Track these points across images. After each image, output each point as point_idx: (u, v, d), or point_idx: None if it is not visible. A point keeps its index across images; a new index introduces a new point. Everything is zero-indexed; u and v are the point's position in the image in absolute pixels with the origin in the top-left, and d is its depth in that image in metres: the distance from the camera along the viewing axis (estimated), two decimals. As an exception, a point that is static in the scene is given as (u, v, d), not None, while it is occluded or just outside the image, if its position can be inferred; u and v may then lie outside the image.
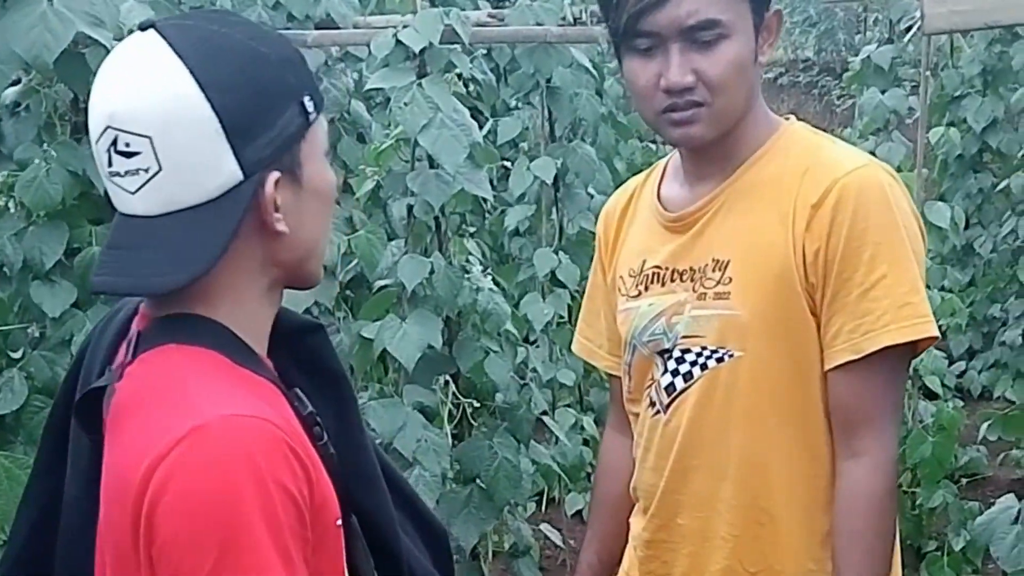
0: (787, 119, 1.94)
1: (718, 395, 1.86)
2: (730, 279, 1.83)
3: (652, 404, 1.94)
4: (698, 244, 1.88)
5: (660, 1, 1.75)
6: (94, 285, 1.30)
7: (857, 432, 1.80)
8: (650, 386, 1.94)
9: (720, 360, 1.84)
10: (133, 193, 1.26)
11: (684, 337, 1.87)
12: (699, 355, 1.86)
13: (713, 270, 1.85)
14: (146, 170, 1.25)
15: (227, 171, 1.25)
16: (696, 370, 1.87)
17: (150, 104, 1.24)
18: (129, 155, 1.25)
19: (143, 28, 1.28)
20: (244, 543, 1.16)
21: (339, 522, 1.31)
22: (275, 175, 1.28)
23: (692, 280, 1.88)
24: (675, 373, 1.89)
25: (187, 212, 1.25)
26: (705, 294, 1.85)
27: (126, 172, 1.26)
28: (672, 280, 1.90)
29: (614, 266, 2.04)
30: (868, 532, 1.80)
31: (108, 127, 1.26)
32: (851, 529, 1.80)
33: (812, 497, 1.85)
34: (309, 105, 1.31)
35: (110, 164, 1.27)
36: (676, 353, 1.89)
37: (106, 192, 1.32)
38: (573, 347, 2.19)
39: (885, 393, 1.81)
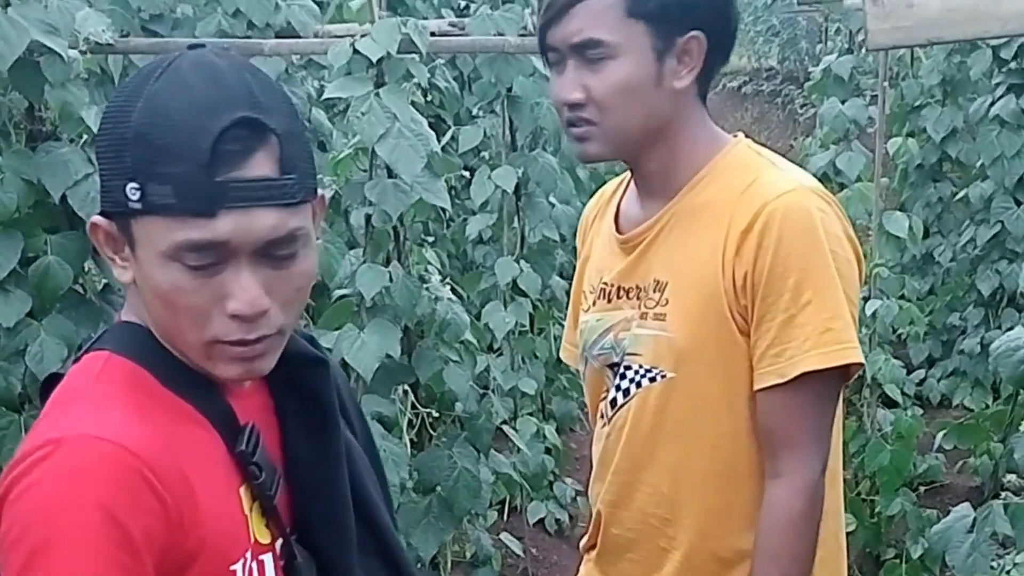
0: (735, 136, 1.94)
1: (648, 414, 1.88)
2: (667, 300, 1.85)
3: (602, 416, 1.97)
4: (642, 264, 1.90)
5: (555, 17, 1.80)
6: None
7: (780, 453, 1.81)
8: (604, 399, 1.97)
9: (653, 380, 1.87)
10: None
11: (628, 354, 1.90)
12: (636, 372, 1.89)
13: (654, 291, 1.87)
14: None
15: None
16: (633, 387, 1.90)
17: None
18: None
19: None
20: (51, 556, 1.18)
21: (232, 567, 1.29)
22: (99, 218, 1.28)
23: (638, 298, 1.90)
24: (618, 388, 1.92)
25: None
26: (646, 314, 1.88)
27: None
28: (618, 297, 1.92)
29: (581, 279, 2.06)
30: (784, 553, 1.80)
31: None
32: (767, 549, 1.81)
33: (736, 517, 1.86)
34: (134, 194, 1.22)
35: None
36: (622, 369, 1.91)
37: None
38: (561, 354, 2.19)
39: (809, 416, 1.81)
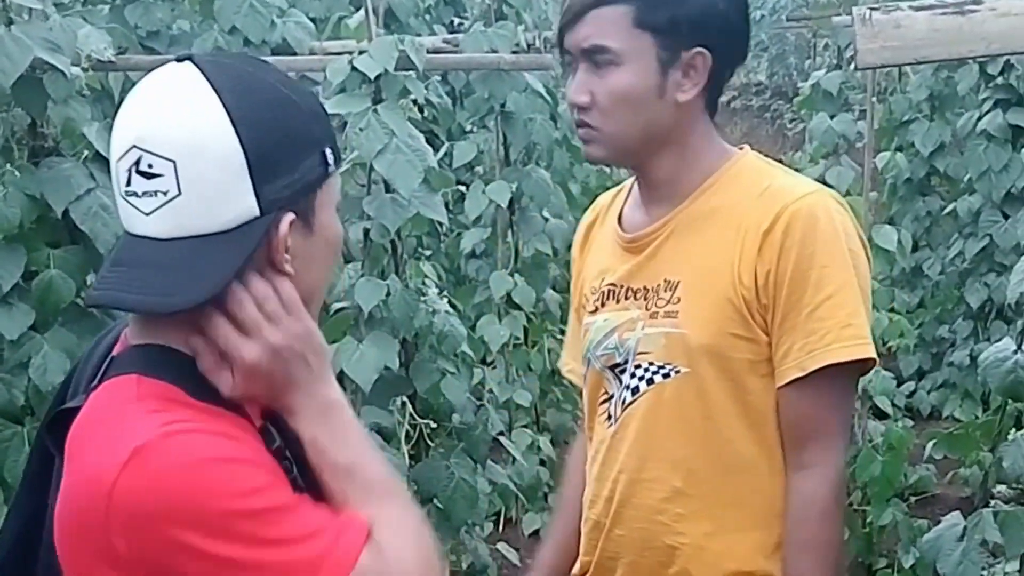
0: (741, 148, 2.00)
1: (663, 409, 1.92)
2: (679, 299, 1.90)
3: (609, 417, 2.00)
4: (651, 265, 1.95)
5: (570, 22, 1.89)
6: (91, 299, 1.31)
7: (806, 446, 1.88)
8: (605, 400, 2.00)
9: (667, 376, 1.91)
10: (147, 214, 1.28)
11: (638, 353, 1.94)
12: (647, 370, 1.93)
13: (664, 290, 1.92)
14: (165, 193, 1.26)
15: (245, 205, 1.27)
16: (643, 384, 1.94)
17: (180, 130, 1.26)
18: (150, 176, 1.27)
19: (180, 60, 1.31)
20: (236, 514, 1.21)
21: None
22: (290, 216, 1.30)
23: (645, 299, 1.94)
24: (627, 387, 1.95)
25: (199, 239, 1.27)
26: (657, 312, 1.92)
27: (143, 193, 1.27)
28: (626, 298, 1.97)
29: (580, 284, 2.10)
30: (818, 541, 1.87)
31: (134, 146, 1.27)
32: (802, 538, 1.87)
33: (760, 508, 1.91)
34: (330, 157, 1.34)
35: (128, 183, 1.28)
36: (630, 368, 1.95)
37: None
38: (563, 371, 2.21)
39: (832, 409, 1.89)
